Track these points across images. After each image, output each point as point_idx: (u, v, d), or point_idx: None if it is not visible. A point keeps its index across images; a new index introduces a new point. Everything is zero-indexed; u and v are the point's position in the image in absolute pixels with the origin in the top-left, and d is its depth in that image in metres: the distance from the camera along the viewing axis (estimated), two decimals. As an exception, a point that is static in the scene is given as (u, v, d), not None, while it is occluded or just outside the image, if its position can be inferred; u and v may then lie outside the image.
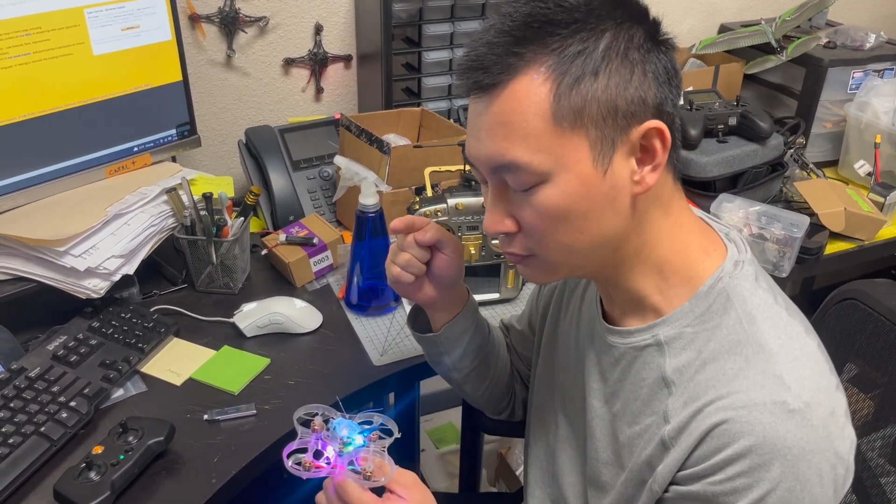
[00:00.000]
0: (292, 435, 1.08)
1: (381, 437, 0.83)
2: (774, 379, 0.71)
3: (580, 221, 0.72)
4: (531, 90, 0.69)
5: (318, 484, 0.82)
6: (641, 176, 0.73)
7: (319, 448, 0.81)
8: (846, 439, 0.72)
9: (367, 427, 0.84)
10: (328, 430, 0.82)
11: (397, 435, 0.83)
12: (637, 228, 0.76)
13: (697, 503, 0.72)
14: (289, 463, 0.80)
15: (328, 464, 0.80)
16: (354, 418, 0.84)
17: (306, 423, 0.83)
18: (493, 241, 1.32)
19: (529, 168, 0.70)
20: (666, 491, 0.76)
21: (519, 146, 0.70)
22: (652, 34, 0.72)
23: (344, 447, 0.81)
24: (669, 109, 0.73)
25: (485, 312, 1.37)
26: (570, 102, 0.69)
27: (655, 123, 0.71)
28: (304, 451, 0.81)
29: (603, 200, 0.72)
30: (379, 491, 0.80)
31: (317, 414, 0.84)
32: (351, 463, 0.80)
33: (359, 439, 0.81)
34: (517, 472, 1.97)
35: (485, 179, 0.77)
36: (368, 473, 0.79)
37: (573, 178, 0.71)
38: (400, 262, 0.96)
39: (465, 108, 1.77)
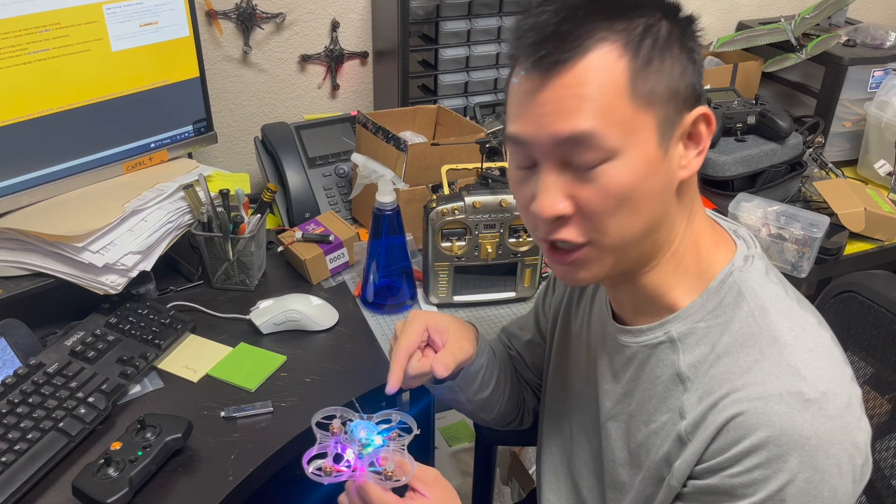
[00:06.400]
0: (309, 433, 1.08)
1: (399, 436, 0.82)
2: (789, 369, 0.71)
3: (640, 203, 0.71)
4: (609, 64, 0.68)
5: (338, 484, 0.81)
6: (688, 161, 0.74)
7: (339, 451, 0.80)
8: (863, 430, 0.72)
9: (385, 426, 0.83)
10: (346, 432, 0.82)
11: (416, 432, 0.83)
12: (672, 219, 0.77)
13: (716, 496, 0.72)
14: (310, 469, 0.79)
15: (349, 467, 0.79)
16: (372, 418, 0.84)
17: (324, 426, 0.83)
18: (510, 240, 1.31)
19: (602, 141, 0.68)
20: (684, 486, 0.76)
21: (594, 117, 0.68)
22: (694, 29, 0.74)
23: (363, 449, 0.80)
24: (705, 100, 0.76)
25: (500, 311, 1.38)
26: (645, 80, 0.69)
27: (705, 109, 0.73)
28: (323, 455, 0.81)
29: (661, 183, 0.72)
30: (401, 489, 0.79)
31: (335, 416, 0.83)
32: (372, 464, 0.79)
33: (377, 440, 0.81)
34: (530, 471, 1.97)
35: (531, 163, 0.73)
36: (389, 473, 0.78)
37: (641, 156, 0.70)
38: (411, 385, 0.94)
39: (482, 106, 1.76)
